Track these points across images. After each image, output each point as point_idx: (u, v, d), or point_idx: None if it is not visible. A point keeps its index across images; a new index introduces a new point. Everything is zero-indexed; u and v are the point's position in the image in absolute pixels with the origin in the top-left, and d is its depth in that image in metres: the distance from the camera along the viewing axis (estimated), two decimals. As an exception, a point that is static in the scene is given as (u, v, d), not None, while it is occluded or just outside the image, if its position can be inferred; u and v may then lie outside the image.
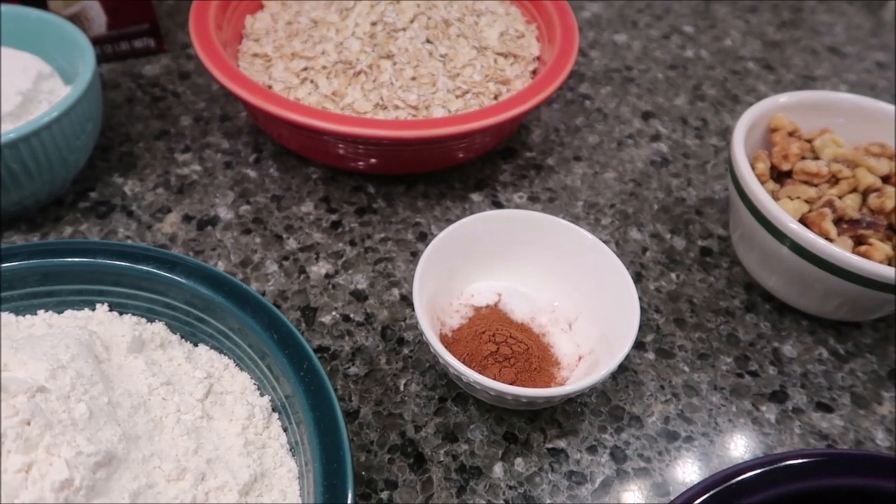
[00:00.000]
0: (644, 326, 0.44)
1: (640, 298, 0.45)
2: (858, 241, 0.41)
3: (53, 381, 0.28)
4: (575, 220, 0.49)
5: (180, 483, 0.28)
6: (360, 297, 0.44)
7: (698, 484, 0.29)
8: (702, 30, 0.69)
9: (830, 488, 0.30)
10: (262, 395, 0.34)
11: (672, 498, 0.33)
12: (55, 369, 0.28)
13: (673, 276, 0.47)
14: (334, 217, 0.48)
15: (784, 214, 0.40)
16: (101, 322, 0.35)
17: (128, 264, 0.36)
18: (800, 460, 0.30)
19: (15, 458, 0.25)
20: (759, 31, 0.70)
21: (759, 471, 0.30)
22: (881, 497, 0.30)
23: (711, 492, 0.29)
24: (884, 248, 0.40)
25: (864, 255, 0.40)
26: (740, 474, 0.30)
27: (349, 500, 0.27)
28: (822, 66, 0.67)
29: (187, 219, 0.48)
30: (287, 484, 0.31)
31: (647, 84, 0.62)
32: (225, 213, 0.48)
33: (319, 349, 0.41)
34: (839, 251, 0.39)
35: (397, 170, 0.51)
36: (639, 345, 0.43)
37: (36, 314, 0.36)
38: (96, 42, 0.57)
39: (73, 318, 0.35)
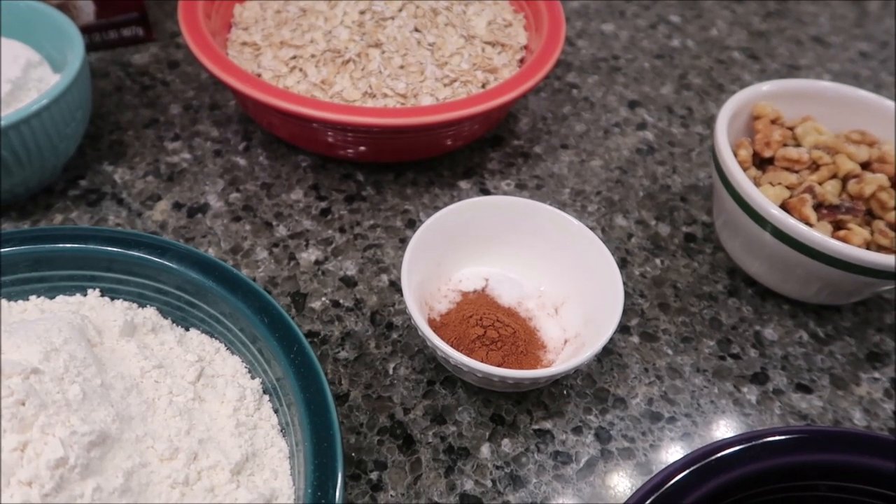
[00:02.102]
0: (629, 311, 0.44)
1: (625, 283, 0.45)
2: (838, 226, 0.42)
3: (47, 363, 0.28)
4: (562, 206, 0.50)
5: (173, 462, 0.29)
6: (349, 283, 0.44)
7: (679, 460, 0.30)
8: (688, 20, 0.70)
9: (808, 464, 0.31)
10: (252, 377, 0.35)
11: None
12: (48, 352, 0.29)
13: (657, 261, 0.48)
14: (324, 204, 0.49)
15: (765, 200, 0.41)
16: (93, 307, 0.36)
17: (119, 250, 0.36)
18: (779, 437, 0.31)
19: (10, 438, 0.25)
20: (744, 21, 0.71)
21: (739, 447, 0.31)
22: (859, 472, 0.31)
23: (692, 467, 0.30)
24: (862, 233, 0.41)
25: (843, 240, 0.41)
26: (721, 450, 0.30)
27: (339, 479, 0.28)
28: (806, 55, 0.68)
29: (177, 206, 0.48)
30: (278, 463, 0.31)
31: (633, 73, 0.63)
32: (215, 201, 0.48)
33: (309, 334, 0.42)
34: (819, 236, 0.40)
35: (386, 158, 0.51)
36: (623, 329, 0.43)
37: (28, 300, 0.36)
38: (85, 31, 0.57)
39: (65, 304, 0.36)
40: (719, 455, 0.30)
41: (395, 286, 0.44)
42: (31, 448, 0.25)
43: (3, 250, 0.35)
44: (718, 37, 0.68)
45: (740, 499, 0.31)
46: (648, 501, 0.28)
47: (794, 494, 0.31)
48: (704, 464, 0.30)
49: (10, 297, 0.36)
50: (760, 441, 0.31)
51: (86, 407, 0.28)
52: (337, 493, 0.28)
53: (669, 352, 0.43)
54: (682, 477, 0.30)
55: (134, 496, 0.27)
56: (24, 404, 0.26)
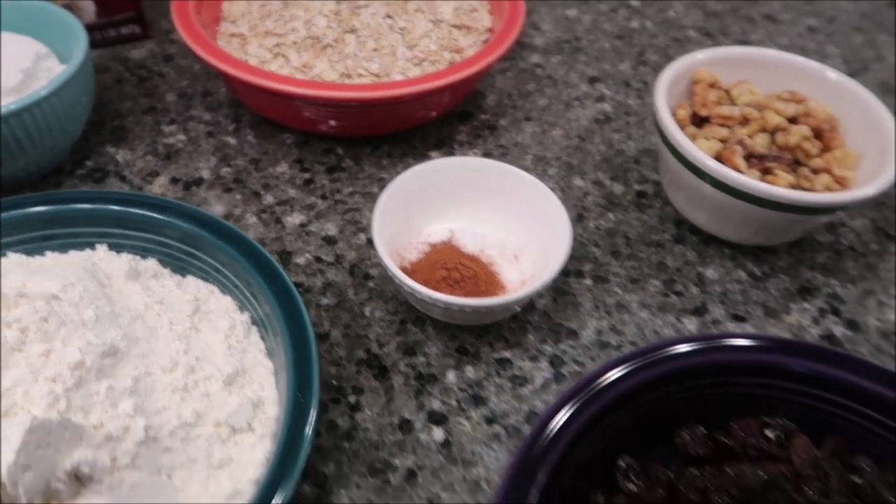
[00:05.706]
0: (583, 258, 0.49)
1: (581, 235, 0.50)
2: (766, 173, 0.47)
3: (65, 293, 0.33)
4: (524, 171, 0.55)
5: (174, 374, 0.34)
6: (330, 241, 0.49)
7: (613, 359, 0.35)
8: (647, 3, 0.75)
9: (715, 364, 0.36)
10: (242, 312, 0.39)
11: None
12: (66, 285, 0.34)
13: (611, 215, 0.52)
14: (307, 175, 0.54)
15: (700, 153, 0.46)
16: (102, 259, 0.41)
17: (125, 209, 0.41)
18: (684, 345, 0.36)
19: (37, 346, 0.30)
20: (701, 3, 0.76)
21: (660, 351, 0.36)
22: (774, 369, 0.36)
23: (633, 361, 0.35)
24: (786, 177, 0.46)
25: (771, 183, 0.45)
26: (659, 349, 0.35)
27: (315, 383, 0.33)
28: (757, 31, 0.72)
29: (174, 181, 0.53)
30: (265, 378, 0.36)
31: (594, 53, 0.68)
32: (208, 175, 0.54)
33: (295, 285, 0.46)
34: (750, 181, 0.44)
35: (363, 131, 0.56)
36: (578, 273, 0.48)
37: (44, 254, 0.41)
38: (86, 29, 0.62)
39: (76, 256, 0.41)
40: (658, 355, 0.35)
41: (372, 243, 0.49)
42: (54, 354, 0.30)
43: (22, 211, 0.40)
44: (675, 17, 0.73)
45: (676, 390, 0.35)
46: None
47: (703, 392, 0.36)
48: (650, 360, 0.35)
49: (28, 253, 0.41)
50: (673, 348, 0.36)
51: (99, 327, 0.33)
52: (313, 395, 0.32)
53: (619, 291, 0.47)
54: (617, 371, 0.34)
55: (141, 397, 0.32)
56: (47, 321, 0.31)
